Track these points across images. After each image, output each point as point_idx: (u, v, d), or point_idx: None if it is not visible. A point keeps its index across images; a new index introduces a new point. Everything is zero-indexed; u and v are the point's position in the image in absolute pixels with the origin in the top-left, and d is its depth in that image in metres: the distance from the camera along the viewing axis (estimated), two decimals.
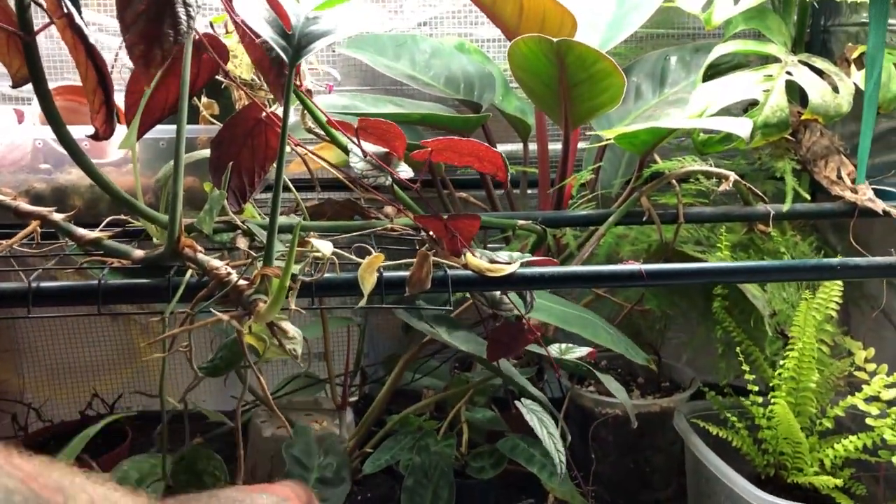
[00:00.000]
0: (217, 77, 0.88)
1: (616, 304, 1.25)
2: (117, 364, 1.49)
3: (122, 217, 0.89)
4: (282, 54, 0.70)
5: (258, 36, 0.75)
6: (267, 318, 0.67)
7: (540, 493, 1.12)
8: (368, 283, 0.75)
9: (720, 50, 1.22)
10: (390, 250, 0.97)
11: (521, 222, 1.08)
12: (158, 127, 0.88)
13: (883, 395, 1.09)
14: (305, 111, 0.95)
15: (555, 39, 0.93)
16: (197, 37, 0.79)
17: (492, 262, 0.86)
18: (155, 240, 0.88)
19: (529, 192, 1.40)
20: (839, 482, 1.06)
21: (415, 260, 0.78)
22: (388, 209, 1.03)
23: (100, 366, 1.48)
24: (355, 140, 0.88)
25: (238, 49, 0.95)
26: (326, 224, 0.92)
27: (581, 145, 1.37)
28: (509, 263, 0.84)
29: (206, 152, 0.90)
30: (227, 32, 0.99)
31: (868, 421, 1.08)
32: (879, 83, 0.99)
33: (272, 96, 0.97)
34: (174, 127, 0.92)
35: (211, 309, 0.67)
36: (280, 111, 0.95)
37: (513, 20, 1.11)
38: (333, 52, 1.36)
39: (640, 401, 1.26)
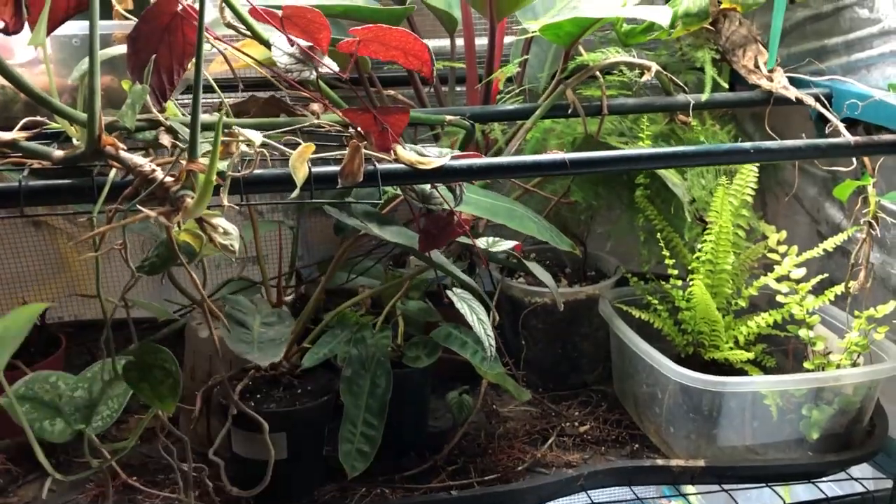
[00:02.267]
0: None
1: (543, 197, 1.28)
2: (46, 275, 1.46)
3: (39, 119, 0.86)
4: None
5: None
6: (195, 213, 0.67)
7: (474, 380, 1.17)
8: (301, 173, 0.75)
9: None
10: (319, 148, 0.97)
11: (449, 118, 1.08)
12: (71, 24, 0.85)
13: (793, 274, 1.16)
14: (224, 3, 0.92)
15: None
16: None
17: (421, 155, 0.87)
18: (75, 141, 0.85)
19: (458, 88, 1.40)
20: (751, 356, 1.14)
21: (345, 153, 0.79)
22: (315, 106, 1.02)
23: (28, 277, 1.45)
24: (279, 31, 0.87)
25: None
26: (251, 121, 0.90)
27: (507, 39, 1.36)
28: (439, 158, 0.85)
29: (122, 48, 0.87)
30: None
31: (778, 298, 1.15)
32: None
33: None
34: (87, 23, 0.89)
35: (138, 206, 0.67)
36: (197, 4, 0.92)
37: None
38: None
39: (567, 289, 1.31)
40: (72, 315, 1.48)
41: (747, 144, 0.90)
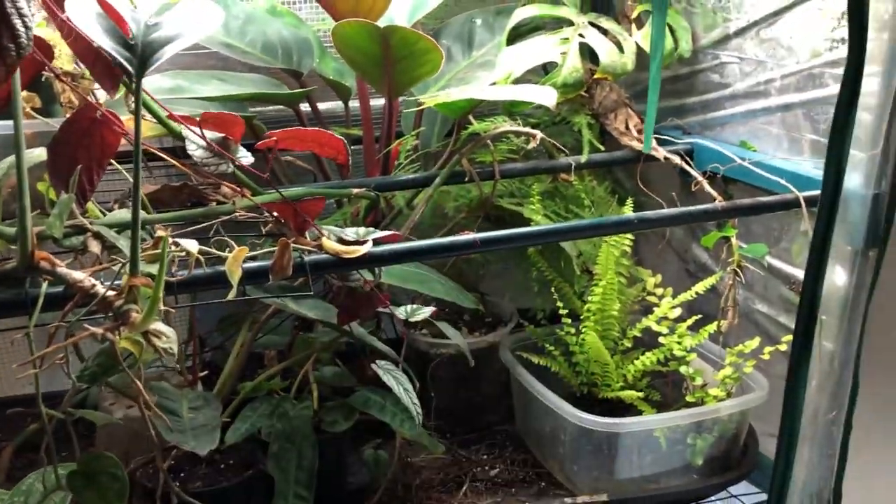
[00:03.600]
0: None
1: None
2: None
3: None
4: (127, 66, 0.70)
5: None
6: (143, 327, 0.70)
7: (389, 433, 1.23)
8: (236, 275, 0.79)
9: (520, 14, 1.33)
10: (235, 228, 1.01)
11: (356, 191, 1.14)
12: None
13: (670, 314, 1.29)
14: (128, 93, 0.94)
15: (381, 25, 0.99)
16: None
17: (343, 241, 0.92)
18: None
19: (353, 148, 1.45)
20: (641, 394, 1.26)
21: (274, 249, 0.83)
22: (226, 189, 1.05)
23: None
24: (193, 130, 0.90)
25: (55, 38, 0.92)
26: (171, 215, 0.93)
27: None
28: (361, 242, 0.91)
29: (39, 151, 0.88)
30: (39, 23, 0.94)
31: (660, 339, 1.27)
32: (661, 63, 1.13)
33: (97, 85, 0.95)
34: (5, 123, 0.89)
35: (84, 324, 0.69)
36: (116, 104, 0.94)
37: None
38: None
39: (469, 338, 1.39)
40: None
41: (632, 216, 1.01)
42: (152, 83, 1.08)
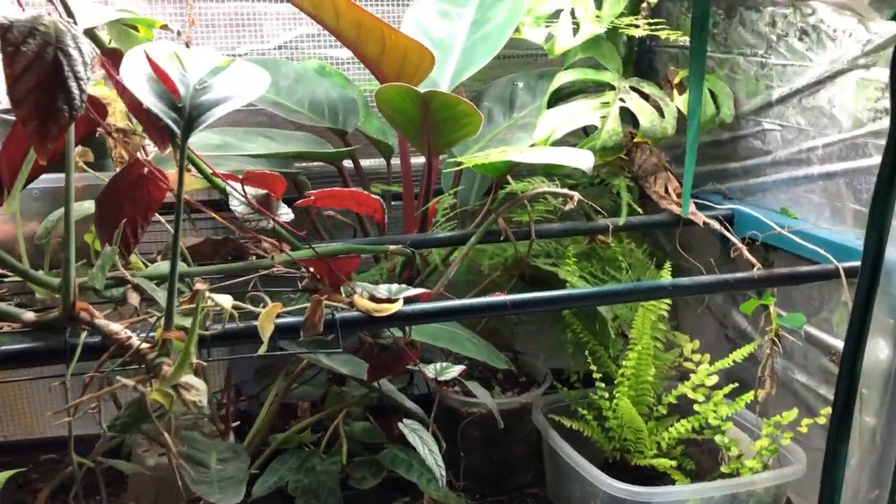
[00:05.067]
0: None
1: None
2: None
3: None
4: (174, 127, 0.73)
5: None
6: (173, 381, 0.71)
7: (416, 491, 1.22)
8: (268, 331, 0.80)
9: (562, 78, 1.35)
10: (272, 282, 1.03)
11: (391, 248, 1.15)
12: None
13: (706, 381, 1.26)
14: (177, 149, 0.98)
15: (421, 91, 1.01)
16: None
17: (374, 299, 0.93)
18: (37, 294, 0.88)
19: (394, 203, 1.47)
20: (674, 463, 1.23)
21: (308, 305, 0.84)
22: (266, 245, 1.07)
23: None
24: (235, 187, 0.93)
25: (111, 95, 0.96)
26: (211, 269, 0.95)
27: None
28: (392, 300, 0.92)
29: (88, 204, 0.91)
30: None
31: (695, 407, 1.25)
32: (700, 109, 1.13)
33: (147, 140, 0.99)
34: (49, 176, 0.93)
35: (117, 376, 0.71)
36: (163, 160, 0.98)
37: (375, 55, 1.17)
38: None
39: (501, 398, 1.39)
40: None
41: (667, 282, 1.00)
42: (202, 139, 1.12)
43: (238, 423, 1.17)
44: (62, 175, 1.00)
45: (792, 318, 1.17)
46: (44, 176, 0.95)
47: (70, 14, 0.83)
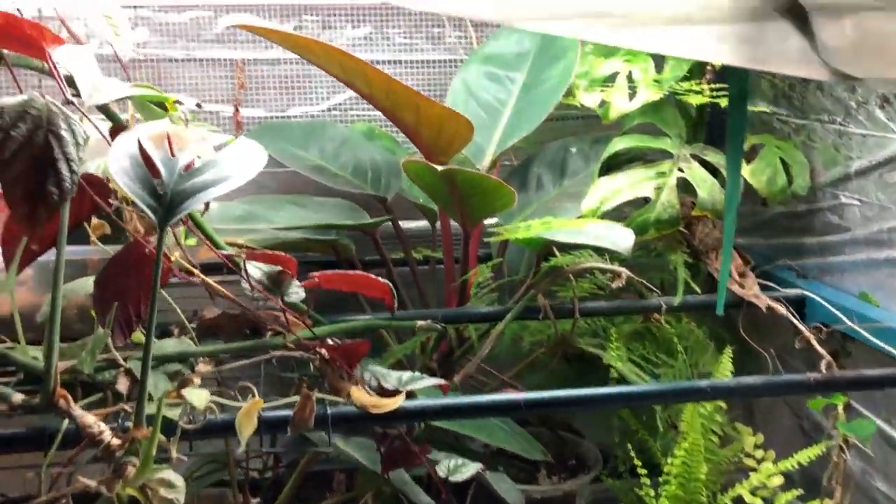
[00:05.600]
0: None
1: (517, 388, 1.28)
2: None
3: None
4: (151, 216, 0.70)
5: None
6: (136, 482, 0.68)
7: None
8: (247, 429, 0.76)
9: (617, 144, 1.27)
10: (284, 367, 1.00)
11: (420, 323, 1.09)
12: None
13: (769, 482, 1.14)
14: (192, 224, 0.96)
15: (439, 168, 0.96)
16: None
17: (382, 389, 0.88)
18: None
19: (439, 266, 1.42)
20: None
21: (297, 400, 0.80)
22: (287, 319, 1.04)
23: None
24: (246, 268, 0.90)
25: None
26: (216, 348, 0.92)
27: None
28: (396, 392, 0.86)
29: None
30: None
31: None
32: (737, 197, 1.02)
33: None
34: (71, 249, 0.92)
35: (79, 476, 0.68)
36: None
37: (411, 124, 1.13)
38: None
39: (545, 484, 1.29)
40: None
41: (704, 384, 0.90)
42: (224, 209, 1.11)
43: (272, 492, 1.13)
44: (82, 247, 1.01)
45: (858, 426, 1.03)
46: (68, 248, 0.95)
47: (76, 92, 0.82)
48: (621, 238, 1.01)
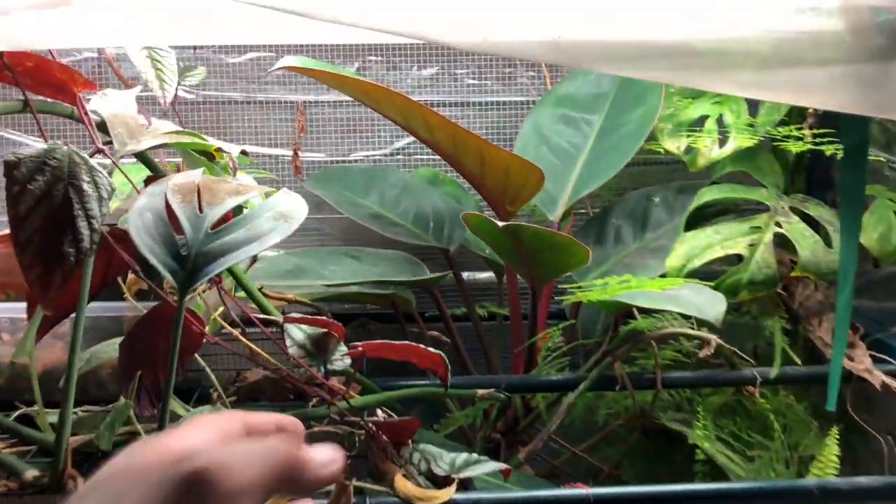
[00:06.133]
0: None
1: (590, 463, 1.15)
2: None
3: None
4: (171, 279, 0.63)
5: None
6: None
7: None
8: None
9: (705, 195, 1.14)
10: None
11: (481, 392, 0.99)
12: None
13: None
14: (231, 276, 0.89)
15: (501, 224, 0.86)
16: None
17: (431, 474, 0.78)
18: None
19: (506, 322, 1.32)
20: None
21: (332, 491, 0.70)
22: (332, 386, 0.95)
23: None
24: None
25: None
26: None
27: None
28: (448, 480, 0.76)
29: None
30: None
31: None
32: (854, 265, 0.88)
33: None
34: (105, 305, 0.86)
35: None
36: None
37: (476, 172, 1.04)
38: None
39: None
40: None
41: (811, 483, 0.76)
42: (271, 262, 1.03)
43: None
44: (117, 304, 0.95)
45: None
46: (95, 304, 0.90)
47: (108, 139, 0.76)
48: (710, 305, 0.89)
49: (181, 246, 0.65)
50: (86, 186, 0.68)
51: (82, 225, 0.67)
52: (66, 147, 0.68)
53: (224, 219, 0.68)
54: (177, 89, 0.95)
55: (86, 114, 0.75)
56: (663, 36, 0.57)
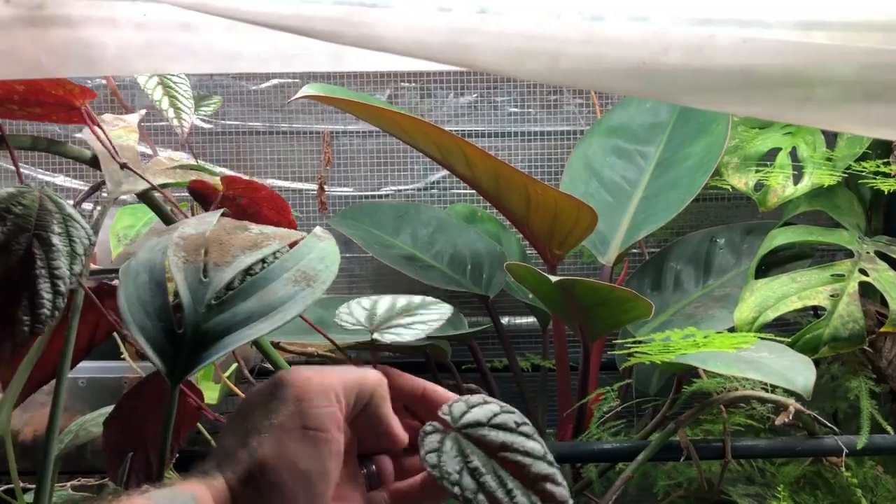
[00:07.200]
0: None
1: None
2: None
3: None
4: (160, 366, 0.51)
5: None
6: None
7: None
8: None
9: (777, 238, 1.01)
10: None
11: None
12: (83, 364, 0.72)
13: None
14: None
15: (553, 279, 0.74)
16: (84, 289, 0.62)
17: None
18: None
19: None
20: None
21: None
22: None
23: None
24: None
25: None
26: None
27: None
28: None
29: None
30: None
31: None
32: None
33: None
34: (99, 364, 0.76)
35: None
36: None
37: (520, 210, 0.92)
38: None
39: None
40: None
41: None
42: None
43: None
44: (114, 363, 0.84)
45: None
46: (93, 363, 0.80)
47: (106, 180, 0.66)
48: (798, 372, 0.76)
49: (179, 321, 0.53)
50: (55, 239, 0.56)
51: (44, 287, 0.55)
52: (37, 191, 0.57)
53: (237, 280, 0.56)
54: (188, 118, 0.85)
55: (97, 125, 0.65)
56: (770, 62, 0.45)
